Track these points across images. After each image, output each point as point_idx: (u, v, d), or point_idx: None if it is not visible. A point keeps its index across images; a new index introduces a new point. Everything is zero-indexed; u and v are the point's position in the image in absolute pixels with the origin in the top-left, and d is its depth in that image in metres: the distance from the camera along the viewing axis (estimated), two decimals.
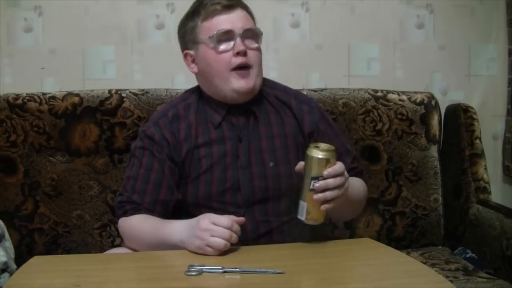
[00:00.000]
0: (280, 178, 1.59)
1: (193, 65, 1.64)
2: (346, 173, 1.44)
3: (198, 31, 1.60)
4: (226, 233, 1.36)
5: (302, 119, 1.65)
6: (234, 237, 1.37)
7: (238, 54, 1.55)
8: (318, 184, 1.39)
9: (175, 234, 1.45)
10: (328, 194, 1.39)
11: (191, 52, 1.63)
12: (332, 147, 1.41)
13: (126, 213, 1.59)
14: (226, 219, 1.38)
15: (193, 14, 1.61)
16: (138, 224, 1.56)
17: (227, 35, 1.56)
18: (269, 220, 1.57)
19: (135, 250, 1.56)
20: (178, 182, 1.61)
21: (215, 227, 1.37)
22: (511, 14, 2.37)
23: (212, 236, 1.36)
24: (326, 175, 1.39)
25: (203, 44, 1.59)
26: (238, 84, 1.57)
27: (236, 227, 1.38)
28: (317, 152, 1.38)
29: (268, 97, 1.66)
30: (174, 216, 1.57)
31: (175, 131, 1.61)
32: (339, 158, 1.45)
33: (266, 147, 1.61)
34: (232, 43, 1.56)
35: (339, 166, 1.41)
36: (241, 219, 1.41)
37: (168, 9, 2.23)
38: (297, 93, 1.72)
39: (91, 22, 2.19)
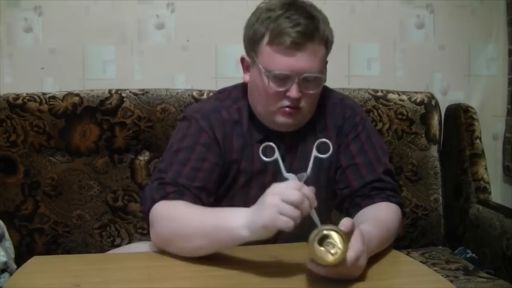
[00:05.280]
0: None
1: (246, 74, 1.50)
2: (363, 260, 1.22)
3: (260, 48, 1.43)
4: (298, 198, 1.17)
5: (342, 126, 1.54)
6: (306, 203, 1.17)
7: (290, 97, 1.42)
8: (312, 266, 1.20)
9: (238, 217, 1.24)
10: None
11: (248, 60, 1.49)
12: (342, 252, 1.16)
13: (167, 196, 1.40)
14: (294, 193, 1.17)
15: (265, 21, 1.42)
16: (185, 208, 1.37)
17: (284, 78, 1.41)
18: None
19: (163, 241, 1.37)
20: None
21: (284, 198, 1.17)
22: (511, 14, 2.37)
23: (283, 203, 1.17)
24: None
25: (258, 66, 1.43)
26: (282, 120, 1.46)
27: (306, 191, 1.18)
28: (321, 257, 1.17)
29: (320, 111, 1.53)
30: None
31: (228, 135, 1.49)
32: (365, 171, 1.45)
33: (297, 166, 1.47)
34: (287, 86, 1.41)
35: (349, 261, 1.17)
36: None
37: (168, 9, 2.23)
38: (344, 98, 1.62)
39: (91, 22, 2.18)
